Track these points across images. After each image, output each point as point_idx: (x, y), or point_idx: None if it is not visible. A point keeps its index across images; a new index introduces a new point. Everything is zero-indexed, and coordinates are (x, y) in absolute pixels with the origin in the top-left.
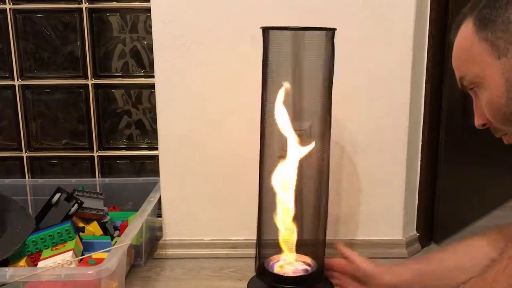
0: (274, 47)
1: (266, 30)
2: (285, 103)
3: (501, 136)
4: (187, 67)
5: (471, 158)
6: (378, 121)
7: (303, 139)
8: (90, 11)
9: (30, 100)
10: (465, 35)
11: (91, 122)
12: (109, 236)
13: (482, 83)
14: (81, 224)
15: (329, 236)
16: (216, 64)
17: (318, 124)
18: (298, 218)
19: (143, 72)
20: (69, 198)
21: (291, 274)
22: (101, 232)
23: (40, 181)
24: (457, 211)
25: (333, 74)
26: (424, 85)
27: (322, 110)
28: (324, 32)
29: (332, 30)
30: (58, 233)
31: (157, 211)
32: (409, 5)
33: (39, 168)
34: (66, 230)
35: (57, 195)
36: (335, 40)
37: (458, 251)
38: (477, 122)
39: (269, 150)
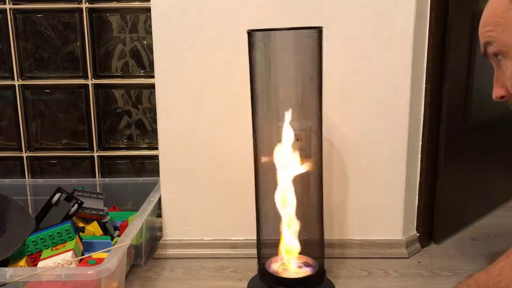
0: (260, 49)
1: (251, 33)
2: (278, 104)
3: None
4: (187, 67)
5: (471, 158)
6: (378, 121)
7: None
8: (90, 11)
9: (30, 100)
10: (501, 0)
11: (91, 122)
12: (109, 236)
13: (509, 53)
14: (81, 224)
15: (329, 237)
16: (216, 64)
17: (311, 124)
18: (297, 219)
19: (143, 72)
20: (69, 198)
21: (291, 275)
22: (101, 232)
23: (40, 181)
24: (457, 211)
25: (322, 72)
26: (424, 85)
27: (315, 109)
28: (311, 31)
29: (319, 29)
30: (58, 233)
31: (157, 211)
32: (409, 5)
33: (39, 168)
34: (66, 230)
35: (57, 195)
36: (334, 40)
37: None
38: (496, 94)
39: (263, 150)
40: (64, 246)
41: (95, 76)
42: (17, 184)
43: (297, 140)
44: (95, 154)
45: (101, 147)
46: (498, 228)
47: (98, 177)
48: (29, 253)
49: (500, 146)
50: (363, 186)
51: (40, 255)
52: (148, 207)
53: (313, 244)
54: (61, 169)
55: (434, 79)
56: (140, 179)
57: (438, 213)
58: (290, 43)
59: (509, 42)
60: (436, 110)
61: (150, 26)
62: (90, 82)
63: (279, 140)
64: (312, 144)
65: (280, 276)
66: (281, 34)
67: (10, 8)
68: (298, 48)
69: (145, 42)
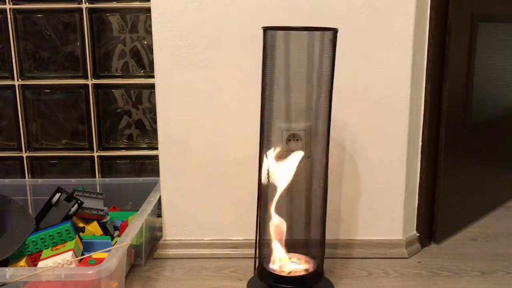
0: (274, 47)
1: (266, 30)
2: (285, 102)
3: None
4: (187, 67)
5: (471, 158)
6: (378, 121)
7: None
8: (90, 11)
9: (30, 100)
10: None
11: (91, 122)
12: (109, 236)
13: None
14: (81, 224)
15: (329, 236)
16: (216, 64)
17: (318, 124)
18: (297, 218)
19: (143, 72)
20: (69, 198)
21: (290, 274)
22: (101, 232)
23: (40, 181)
24: (457, 211)
25: (333, 74)
26: (424, 85)
27: (322, 110)
28: (325, 32)
29: (334, 30)
30: (58, 233)
31: (157, 211)
32: (409, 5)
33: (39, 168)
34: (66, 230)
35: (57, 195)
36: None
37: None
38: None
39: (268, 150)
40: (64, 246)
41: (95, 76)
42: (17, 184)
43: (297, 140)
44: (95, 154)
45: (101, 147)
46: (498, 228)
47: (98, 177)
48: (29, 253)
49: (500, 146)
50: (363, 186)
51: (40, 255)
52: (148, 207)
53: (313, 243)
54: (61, 169)
55: (434, 79)
56: (140, 179)
57: (438, 213)
58: (300, 42)
59: None
60: (436, 110)
61: (150, 26)
62: (90, 82)
63: (282, 140)
64: (316, 144)
65: (278, 274)
66: (293, 33)
67: (10, 8)
68: (310, 48)
69: (145, 42)
